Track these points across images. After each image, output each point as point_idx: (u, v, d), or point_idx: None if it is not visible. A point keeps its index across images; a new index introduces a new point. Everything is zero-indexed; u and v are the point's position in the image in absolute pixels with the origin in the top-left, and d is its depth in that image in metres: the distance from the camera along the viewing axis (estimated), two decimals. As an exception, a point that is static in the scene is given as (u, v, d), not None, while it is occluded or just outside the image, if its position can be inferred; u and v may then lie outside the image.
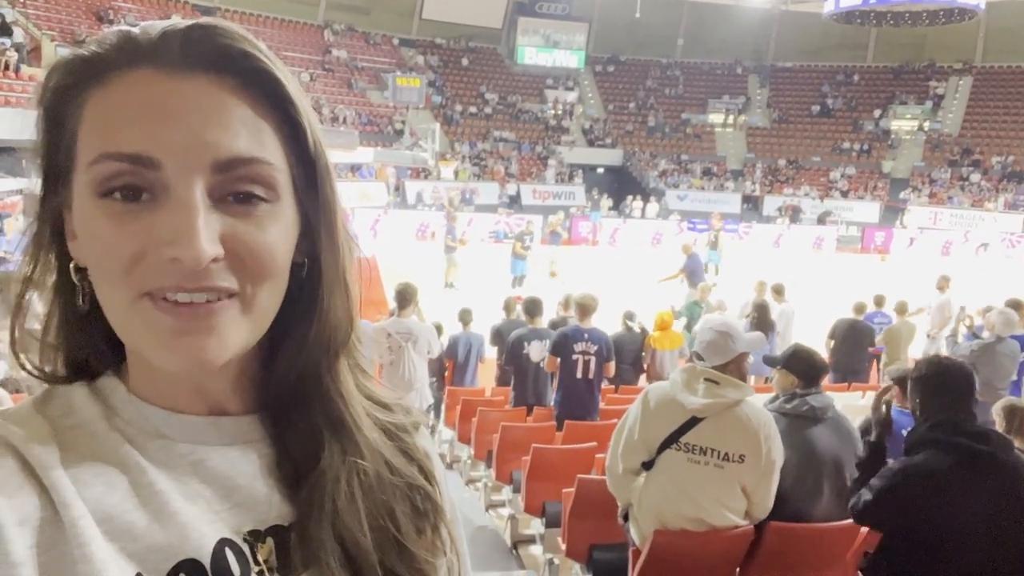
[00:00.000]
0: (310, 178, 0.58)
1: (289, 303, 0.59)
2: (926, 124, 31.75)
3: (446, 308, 9.34)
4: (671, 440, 2.82)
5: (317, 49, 30.66)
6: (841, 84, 34.65)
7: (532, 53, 34.42)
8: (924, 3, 27.26)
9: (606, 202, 25.65)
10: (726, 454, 2.77)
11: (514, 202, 26.77)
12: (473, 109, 31.68)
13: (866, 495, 2.35)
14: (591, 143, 32.00)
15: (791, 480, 3.02)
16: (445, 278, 14.48)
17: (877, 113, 32.80)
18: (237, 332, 0.54)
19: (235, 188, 0.53)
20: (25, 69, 19.80)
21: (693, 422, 2.79)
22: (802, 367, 3.23)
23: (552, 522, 4.10)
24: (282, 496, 0.60)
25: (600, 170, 31.03)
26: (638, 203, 26.53)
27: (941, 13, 28.34)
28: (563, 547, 3.77)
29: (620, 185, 29.27)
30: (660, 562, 2.88)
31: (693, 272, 12.35)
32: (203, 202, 0.51)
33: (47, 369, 0.60)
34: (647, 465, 2.91)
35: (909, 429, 2.38)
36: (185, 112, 0.52)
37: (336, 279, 0.61)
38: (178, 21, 0.54)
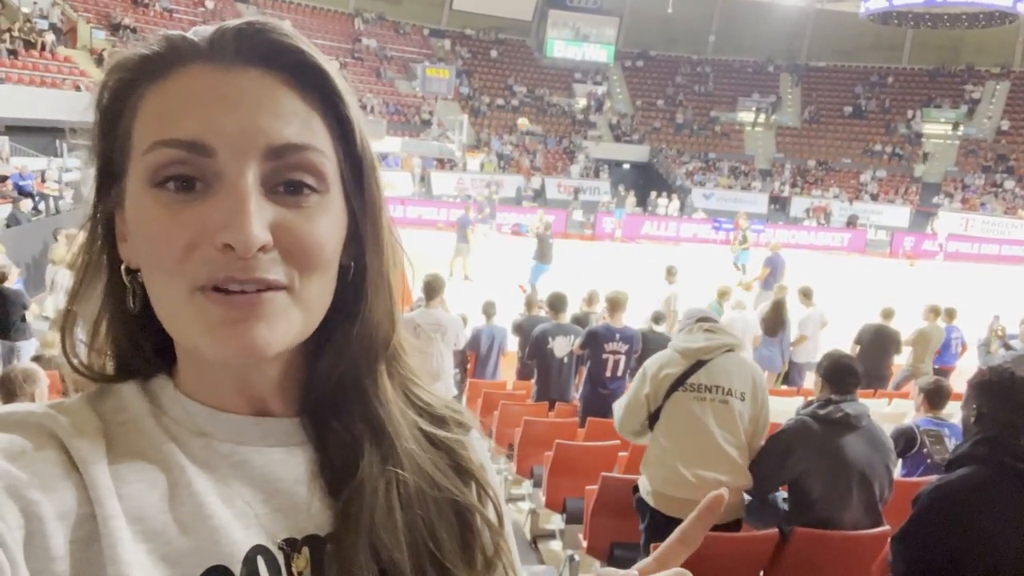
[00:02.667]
0: (356, 175, 0.59)
1: (333, 306, 0.59)
2: (960, 128, 31.17)
3: (462, 300, 9.34)
4: (678, 383, 3.13)
5: (347, 37, 30.77)
6: (875, 85, 34.13)
7: (561, 46, 34.27)
8: (963, 6, 26.75)
9: (631, 199, 25.50)
10: (729, 390, 3.10)
11: (538, 196, 26.71)
12: (500, 101, 31.62)
13: (903, 527, 2.22)
14: (618, 139, 31.82)
15: (820, 485, 3.00)
16: (463, 269, 14.47)
17: (910, 115, 32.26)
18: (287, 322, 0.54)
19: (287, 177, 0.54)
20: (61, 50, 20.10)
21: (698, 365, 3.13)
22: (834, 374, 3.20)
23: (573, 518, 4.10)
24: (322, 504, 0.59)
25: (626, 166, 30.85)
26: (663, 200, 26.34)
27: (980, 16, 27.83)
28: (584, 544, 3.76)
29: (646, 182, 29.07)
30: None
31: (775, 272, 11.61)
32: (255, 189, 0.52)
33: (96, 368, 0.61)
34: (652, 418, 3.20)
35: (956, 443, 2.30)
36: (238, 101, 0.53)
37: (380, 283, 0.60)
38: (231, 21, 0.56)
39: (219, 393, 0.59)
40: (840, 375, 3.17)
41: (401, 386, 0.65)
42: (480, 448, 0.70)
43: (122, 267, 0.58)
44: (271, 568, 0.55)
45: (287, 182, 0.54)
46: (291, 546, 0.57)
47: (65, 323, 0.60)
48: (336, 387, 0.61)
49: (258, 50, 0.55)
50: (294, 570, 0.56)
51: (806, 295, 8.96)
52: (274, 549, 0.56)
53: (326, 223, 0.55)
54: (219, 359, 0.53)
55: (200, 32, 0.56)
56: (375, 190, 0.60)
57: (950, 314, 8.90)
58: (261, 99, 0.53)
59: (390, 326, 0.62)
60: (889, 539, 2.19)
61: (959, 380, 6.31)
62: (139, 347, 0.61)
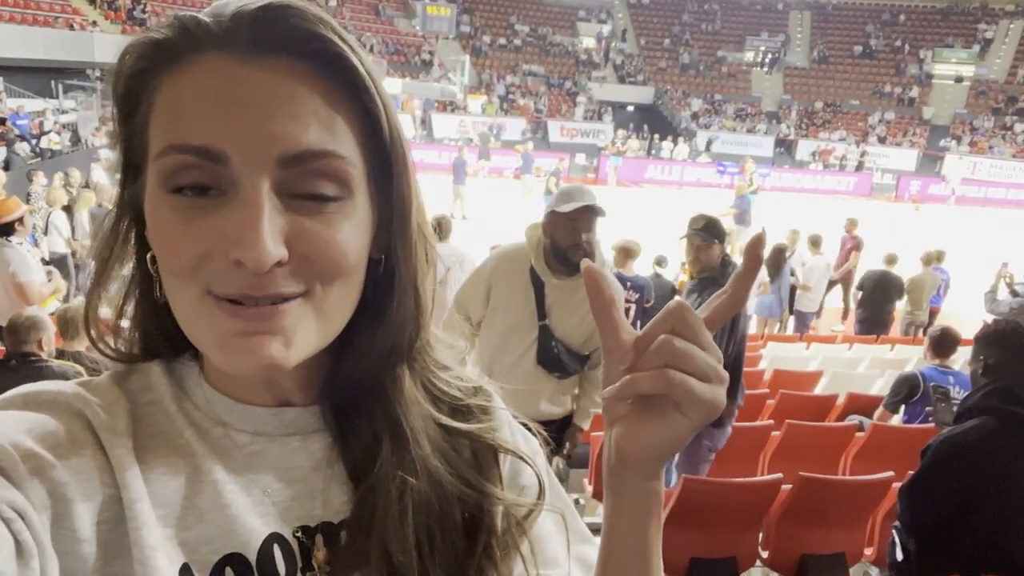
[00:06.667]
0: (385, 172, 0.55)
1: (360, 304, 0.56)
2: (971, 69, 30.53)
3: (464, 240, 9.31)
4: None
5: None
6: (886, 24, 33.30)
7: (565, -17, 33.35)
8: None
9: (633, 143, 25.15)
10: None
11: (541, 139, 26.38)
12: (503, 40, 30.94)
13: (911, 477, 2.21)
14: (622, 80, 31.23)
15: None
16: (461, 210, 14.50)
17: (922, 56, 31.58)
18: (306, 334, 0.52)
19: (305, 184, 0.50)
20: (53, -13, 19.57)
21: None
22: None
23: (578, 463, 4.15)
24: (338, 491, 0.59)
25: (630, 108, 30.36)
26: (668, 143, 26.02)
27: (999, -50, 26.94)
28: (589, 488, 3.82)
29: (650, 124, 28.65)
30: (686, 511, 2.91)
31: (743, 213, 12.47)
32: (269, 200, 0.49)
33: (123, 349, 0.60)
34: None
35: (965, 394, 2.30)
36: (253, 102, 0.49)
37: (407, 283, 0.58)
38: (250, 3, 0.51)
39: (243, 386, 0.58)
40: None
41: (421, 380, 0.63)
42: (508, 426, 0.68)
43: (148, 255, 0.55)
44: (287, 557, 0.55)
45: (306, 190, 0.50)
46: (306, 533, 0.57)
47: (89, 304, 0.58)
48: (358, 385, 0.59)
49: (277, 38, 0.50)
50: (313, 561, 0.56)
51: (815, 243, 8.92)
52: (290, 538, 0.56)
53: (348, 229, 0.52)
54: (232, 372, 0.51)
55: (216, 12, 0.51)
56: (406, 189, 0.56)
57: (938, 257, 8.90)
58: (277, 98, 0.49)
59: (416, 328, 0.60)
60: (898, 490, 2.21)
61: (944, 322, 6.31)
62: (165, 331, 0.59)
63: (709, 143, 26.68)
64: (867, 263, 9.09)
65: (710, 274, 3.45)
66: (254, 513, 0.55)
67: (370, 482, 0.58)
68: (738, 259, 6.67)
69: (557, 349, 2.77)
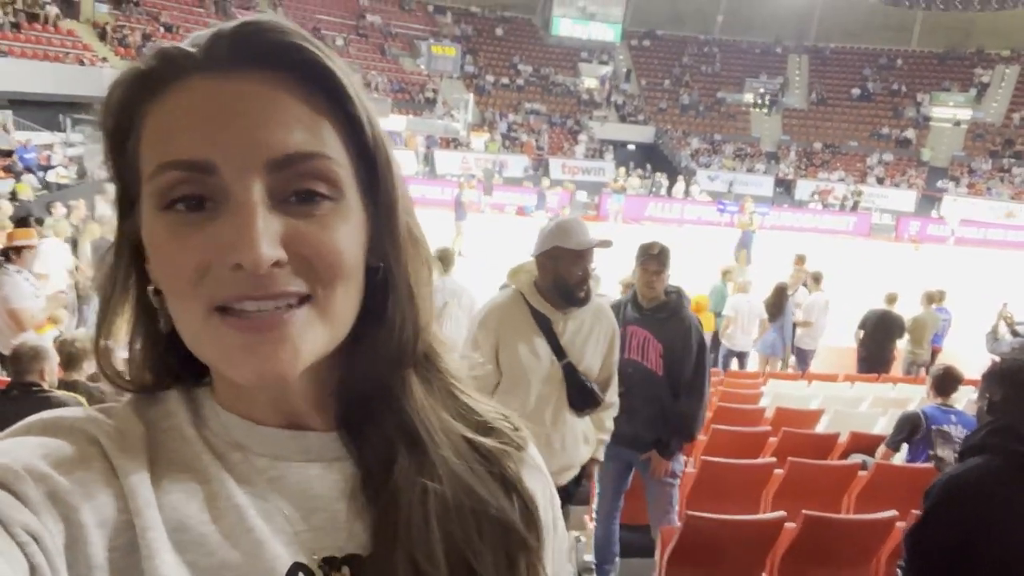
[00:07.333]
0: (372, 173, 0.56)
1: (361, 311, 0.57)
2: (968, 112, 30.90)
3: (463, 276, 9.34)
4: None
5: (351, 13, 30.48)
6: (883, 68, 33.80)
7: (567, 25, 33.90)
8: (976, -13, 26.40)
9: (634, 181, 25.32)
10: None
11: (543, 176, 26.57)
12: (505, 80, 31.38)
13: (916, 519, 2.15)
14: (623, 119, 31.59)
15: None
16: (459, 246, 14.56)
17: (919, 99, 32.00)
18: (312, 338, 0.52)
19: (296, 186, 0.51)
20: (64, 24, 19.94)
21: None
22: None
23: (580, 500, 4.11)
24: (363, 522, 0.57)
25: (631, 147, 30.66)
26: (664, 179, 26.15)
27: (993, -2, 27.47)
28: (591, 526, 3.78)
29: (651, 163, 28.91)
30: (690, 549, 2.88)
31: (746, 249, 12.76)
32: (263, 203, 0.50)
33: (135, 380, 0.60)
34: None
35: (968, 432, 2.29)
36: (237, 112, 0.50)
37: (400, 284, 0.58)
38: (227, 24, 0.53)
39: (254, 406, 0.58)
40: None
41: (442, 390, 0.63)
42: (529, 464, 0.66)
43: (150, 289, 0.56)
44: None
45: (297, 192, 0.51)
46: (330, 565, 0.55)
47: (98, 338, 0.58)
48: (367, 394, 0.59)
49: (256, 52, 0.52)
50: None
51: (816, 280, 8.94)
52: (314, 567, 0.55)
53: (343, 230, 0.53)
54: (241, 383, 0.52)
55: (197, 39, 0.53)
56: (391, 189, 0.57)
57: (940, 296, 8.92)
58: (261, 107, 0.51)
59: (415, 328, 0.59)
60: (902, 534, 2.18)
61: (946, 361, 6.29)
62: (169, 364, 0.60)
63: (731, 184, 26.77)
64: (868, 302, 9.10)
65: (659, 302, 3.47)
66: (277, 540, 0.54)
67: (389, 491, 0.56)
68: (729, 291, 6.63)
69: (588, 383, 2.68)
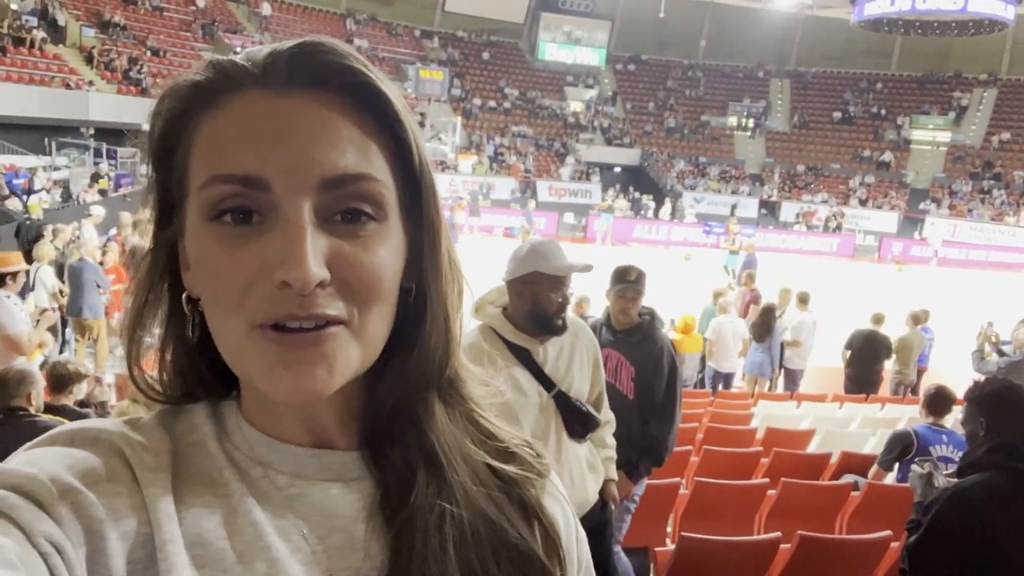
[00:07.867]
0: (415, 198, 0.57)
1: (392, 332, 0.57)
2: (948, 135, 31.41)
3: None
4: None
5: (339, 37, 29.16)
6: (864, 92, 34.36)
7: (553, 49, 34.27)
8: (953, 13, 26.95)
9: (621, 203, 25.49)
10: None
11: (530, 198, 26.71)
12: (492, 103, 31.61)
13: (915, 532, 2.17)
14: (609, 142, 31.87)
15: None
16: None
17: (899, 122, 32.51)
18: (347, 359, 0.53)
19: (343, 206, 0.52)
20: (50, 48, 19.93)
21: None
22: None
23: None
24: (380, 543, 0.56)
25: (617, 169, 30.91)
26: (649, 200, 26.37)
27: (970, 24, 28.02)
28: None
29: (637, 185, 29.14)
30: (685, 570, 2.87)
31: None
32: (311, 222, 0.51)
33: (166, 391, 0.61)
34: None
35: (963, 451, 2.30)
36: (292, 131, 0.51)
37: (438, 308, 0.59)
38: (284, 43, 0.54)
39: (281, 423, 0.58)
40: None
41: (464, 416, 0.63)
42: (551, 492, 0.65)
43: (183, 296, 0.57)
44: None
45: (344, 210, 0.52)
46: None
47: (130, 348, 0.59)
48: (391, 415, 0.59)
49: (312, 73, 0.53)
50: None
51: (803, 301, 9.01)
52: None
53: (385, 252, 0.54)
54: (277, 399, 0.53)
55: (252, 56, 0.54)
56: (434, 214, 0.58)
57: (924, 317, 9.01)
58: (315, 127, 0.52)
59: (446, 353, 0.60)
60: (903, 547, 2.19)
61: (931, 381, 6.33)
62: (199, 373, 0.60)
63: (734, 208, 26.82)
64: (854, 322, 9.18)
65: (632, 325, 3.46)
66: (294, 560, 0.54)
67: (407, 513, 0.56)
68: (721, 310, 6.60)
69: (583, 407, 2.53)
